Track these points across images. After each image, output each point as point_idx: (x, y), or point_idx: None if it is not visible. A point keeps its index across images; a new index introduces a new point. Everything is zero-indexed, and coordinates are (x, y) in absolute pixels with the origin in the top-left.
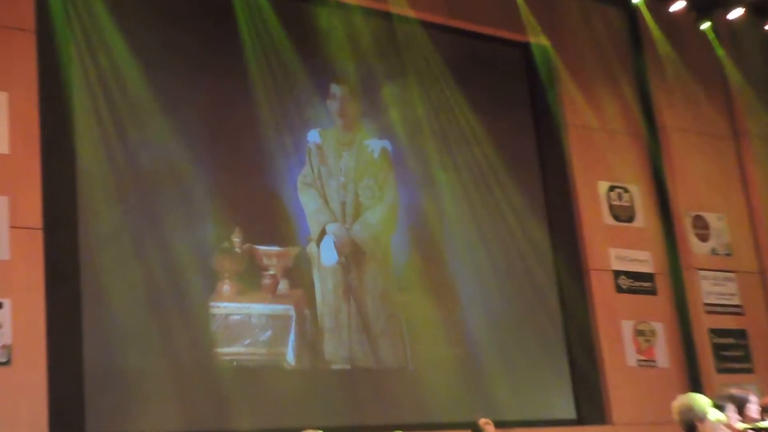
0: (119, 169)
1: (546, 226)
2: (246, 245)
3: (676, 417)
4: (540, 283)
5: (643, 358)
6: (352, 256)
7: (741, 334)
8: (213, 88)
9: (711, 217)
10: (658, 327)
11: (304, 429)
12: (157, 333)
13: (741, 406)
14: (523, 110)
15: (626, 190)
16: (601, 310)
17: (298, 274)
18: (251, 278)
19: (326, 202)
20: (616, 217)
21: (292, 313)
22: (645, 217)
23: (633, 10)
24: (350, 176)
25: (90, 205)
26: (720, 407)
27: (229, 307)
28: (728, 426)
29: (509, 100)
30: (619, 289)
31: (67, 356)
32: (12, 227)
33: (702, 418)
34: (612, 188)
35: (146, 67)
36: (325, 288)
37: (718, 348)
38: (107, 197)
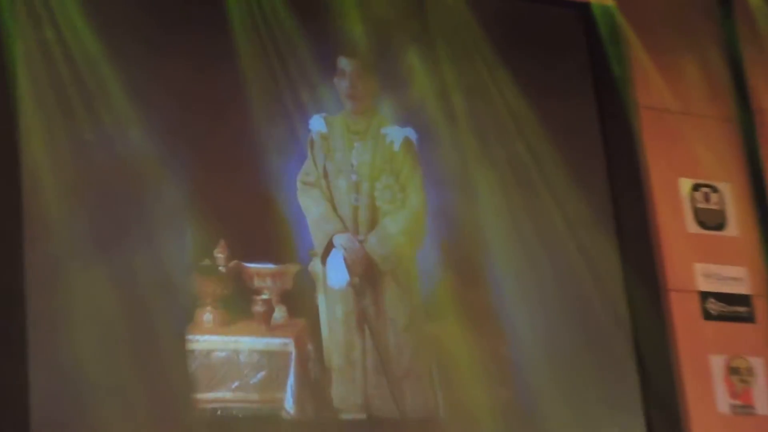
0: (74, 170)
1: (613, 237)
2: (232, 262)
3: None
4: (606, 310)
5: (738, 402)
6: (368, 275)
7: None
8: (189, 64)
9: None
10: (757, 363)
11: None
12: (121, 375)
13: None
14: (582, 90)
15: (715, 190)
16: (684, 342)
17: (299, 299)
18: (239, 304)
19: (333, 206)
20: (703, 224)
21: (292, 348)
22: (739, 223)
23: None
24: (364, 174)
25: (38, 216)
26: None
27: (212, 341)
28: None
29: (564, 77)
30: (707, 316)
31: (10, 406)
32: None
33: None
34: (697, 187)
35: (106, 39)
36: (332, 316)
37: None
38: (60, 205)
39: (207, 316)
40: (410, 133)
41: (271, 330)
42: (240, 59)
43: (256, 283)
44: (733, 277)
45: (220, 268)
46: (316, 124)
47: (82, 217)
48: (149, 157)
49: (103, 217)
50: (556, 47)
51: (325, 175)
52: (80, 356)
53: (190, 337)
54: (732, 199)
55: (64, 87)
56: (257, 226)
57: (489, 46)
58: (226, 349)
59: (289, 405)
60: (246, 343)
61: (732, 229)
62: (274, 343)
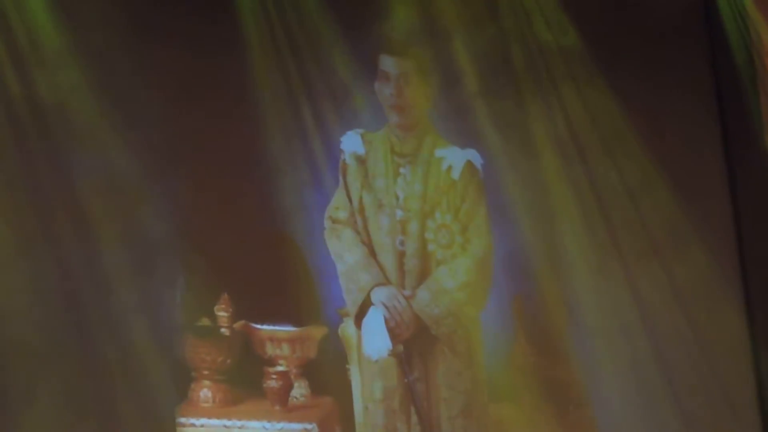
0: (31, 194)
1: (740, 303)
2: (238, 323)
3: None
4: (729, 397)
5: None
6: (416, 342)
7: None
8: (185, 63)
9: None
10: None
11: None
12: None
13: None
14: (702, 101)
15: None
16: None
17: (325, 372)
18: (247, 378)
19: (372, 251)
20: None
21: None
22: None
23: None
24: (413, 209)
25: None
26: None
27: (211, 426)
28: None
29: (677, 81)
30: None
31: None
32: None
33: None
34: None
35: (76, 34)
36: (369, 395)
37: None
38: (12, 242)
39: (204, 392)
40: (474, 156)
41: (289, 412)
42: (251, 59)
43: (270, 350)
44: None
45: (222, 330)
46: (351, 143)
47: (38, 259)
48: (133, 183)
49: (68, 259)
50: (669, 40)
51: (362, 210)
52: None
53: (182, 419)
54: None
55: (19, 91)
56: (271, 276)
57: (579, 38)
58: None
59: None
60: (255, 429)
61: None
62: (293, 428)
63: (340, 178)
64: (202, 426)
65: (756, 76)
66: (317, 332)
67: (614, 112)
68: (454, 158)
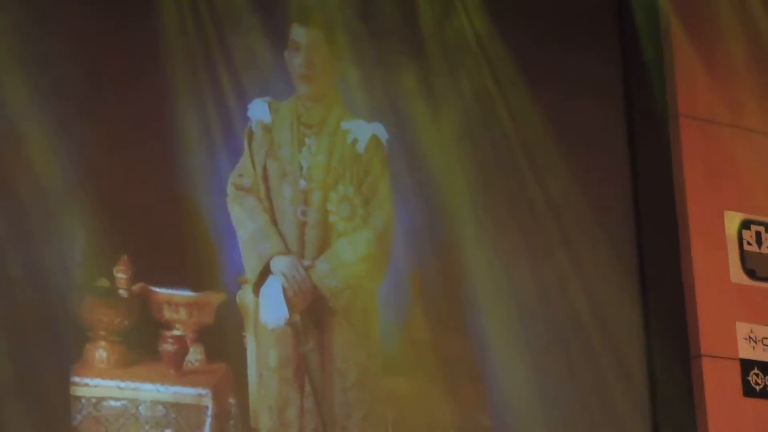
0: None
1: (635, 283)
2: (137, 285)
3: None
4: (620, 378)
5: None
6: (313, 313)
7: None
8: (98, 20)
9: None
10: None
11: None
12: None
13: None
14: (609, 90)
15: None
16: (716, 424)
17: (221, 339)
18: (143, 340)
19: (274, 220)
20: (752, 273)
21: (209, 401)
22: None
23: None
24: (317, 180)
25: None
26: None
27: (105, 386)
28: None
29: (587, 73)
30: (748, 391)
31: None
32: None
33: None
34: (747, 224)
35: None
36: (264, 363)
37: None
38: None
39: (100, 353)
40: (379, 130)
41: (183, 376)
42: (163, 19)
43: (167, 314)
44: None
45: (120, 291)
46: (257, 110)
47: None
48: (30, 134)
49: None
50: (581, 36)
51: (265, 179)
52: None
53: (75, 379)
54: None
55: None
56: (171, 240)
57: (489, 20)
58: (122, 398)
59: None
60: (149, 391)
61: None
62: (186, 393)
63: (245, 146)
64: (95, 386)
65: (663, 65)
66: (215, 298)
67: (521, 88)
68: (360, 131)
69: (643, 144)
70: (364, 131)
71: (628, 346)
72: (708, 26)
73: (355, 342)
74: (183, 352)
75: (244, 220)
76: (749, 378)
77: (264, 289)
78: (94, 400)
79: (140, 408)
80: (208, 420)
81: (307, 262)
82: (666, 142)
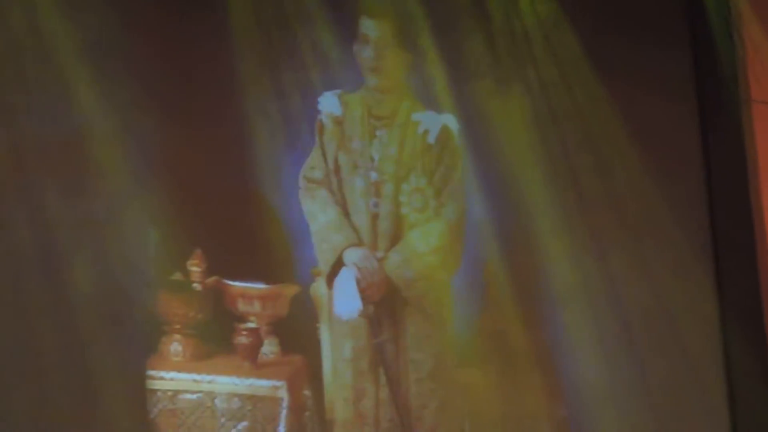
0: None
1: (710, 275)
2: (211, 279)
3: None
4: (696, 371)
5: None
6: (386, 304)
7: None
8: (165, 19)
9: None
10: None
11: None
12: (61, 420)
13: None
14: (681, 80)
15: None
16: None
17: (295, 331)
18: (218, 333)
19: (346, 212)
20: None
21: (284, 393)
22: None
23: None
24: (388, 172)
25: None
26: None
27: (180, 379)
28: None
29: (658, 64)
30: None
31: None
32: None
33: None
34: None
35: None
36: (338, 355)
37: None
38: None
39: (175, 346)
40: (450, 121)
41: (258, 368)
42: (232, 15)
43: (241, 306)
44: None
45: (195, 285)
46: (328, 103)
47: (7, 208)
48: (102, 132)
49: (37, 209)
50: (650, 24)
51: (337, 171)
52: (3, 396)
53: (151, 372)
54: None
55: None
56: (244, 233)
57: (562, 17)
58: (198, 391)
59: None
60: (224, 384)
61: None
62: (261, 385)
63: (316, 138)
64: (171, 379)
65: (735, 51)
66: (289, 290)
67: (589, 78)
68: (431, 122)
69: (715, 131)
70: (434, 122)
71: (703, 340)
72: None
73: (430, 333)
74: (258, 344)
75: (316, 212)
76: None
77: (337, 281)
78: (170, 393)
79: (216, 400)
80: (284, 412)
81: (380, 254)
82: (738, 128)
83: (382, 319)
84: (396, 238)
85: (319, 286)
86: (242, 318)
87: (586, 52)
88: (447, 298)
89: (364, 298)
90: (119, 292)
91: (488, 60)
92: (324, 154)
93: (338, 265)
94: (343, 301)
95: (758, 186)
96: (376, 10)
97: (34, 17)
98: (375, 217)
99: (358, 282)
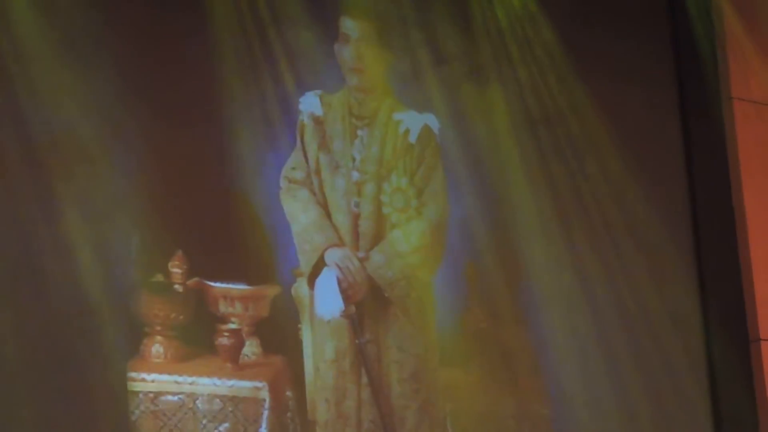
0: None
1: (693, 271)
2: (192, 280)
3: None
4: (678, 363)
5: None
6: (368, 304)
7: None
8: (145, 20)
9: None
10: None
11: None
12: (42, 422)
13: None
14: (661, 77)
15: None
16: None
17: (277, 332)
18: (199, 335)
19: (327, 212)
20: None
21: (265, 394)
22: None
23: None
24: (370, 171)
25: None
26: None
27: (162, 381)
28: None
29: (639, 60)
30: None
31: None
32: None
33: None
34: None
35: None
36: (320, 356)
37: None
38: None
39: (156, 347)
40: (431, 120)
41: (240, 369)
42: (212, 15)
43: (222, 308)
44: None
45: (176, 286)
46: (309, 103)
47: None
48: (85, 133)
49: (14, 209)
50: (632, 21)
51: (318, 171)
52: None
53: (133, 374)
54: None
55: None
56: (226, 234)
57: (543, 12)
58: (179, 393)
59: None
60: (206, 385)
61: None
62: (243, 386)
63: (298, 139)
64: (153, 381)
65: (716, 49)
66: (270, 291)
67: (570, 73)
68: (412, 122)
69: (696, 128)
70: (415, 122)
71: (687, 334)
72: (761, 8)
73: (412, 333)
74: (239, 345)
75: (298, 212)
76: None
77: (319, 282)
78: (151, 395)
79: (197, 402)
80: (266, 413)
81: (361, 254)
82: (720, 125)
83: (363, 319)
84: (377, 237)
85: (300, 287)
86: (224, 319)
87: (566, 50)
88: (429, 298)
89: (346, 299)
90: (100, 293)
91: (469, 58)
92: (305, 155)
93: (320, 265)
94: (325, 301)
95: (740, 184)
96: (357, 11)
97: (11, 17)
98: (356, 217)
99: (339, 282)
